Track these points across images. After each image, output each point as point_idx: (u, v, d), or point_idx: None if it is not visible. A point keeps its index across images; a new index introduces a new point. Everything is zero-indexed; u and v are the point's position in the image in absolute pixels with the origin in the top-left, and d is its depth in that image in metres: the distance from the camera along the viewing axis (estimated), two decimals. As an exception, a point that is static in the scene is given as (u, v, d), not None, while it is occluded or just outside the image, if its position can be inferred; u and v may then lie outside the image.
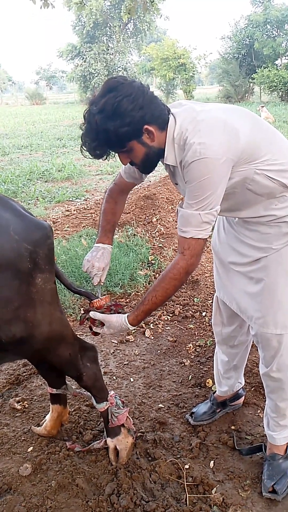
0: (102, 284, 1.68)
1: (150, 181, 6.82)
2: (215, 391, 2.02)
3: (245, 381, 2.16)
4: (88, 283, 3.19)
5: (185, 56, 24.96)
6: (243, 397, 2.05)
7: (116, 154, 1.41)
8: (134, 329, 1.56)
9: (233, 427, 1.94)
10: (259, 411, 2.02)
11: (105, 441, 1.74)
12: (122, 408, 1.74)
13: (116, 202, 1.72)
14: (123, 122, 1.25)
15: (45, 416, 1.93)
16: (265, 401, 1.73)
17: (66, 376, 1.78)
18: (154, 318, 2.87)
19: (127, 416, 1.75)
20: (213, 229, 1.54)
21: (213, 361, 2.05)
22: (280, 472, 1.65)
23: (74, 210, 5.26)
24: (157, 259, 3.62)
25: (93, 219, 4.69)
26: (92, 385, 1.65)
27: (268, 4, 23.17)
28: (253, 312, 1.54)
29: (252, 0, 24.35)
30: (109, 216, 1.71)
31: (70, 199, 5.95)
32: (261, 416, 1.97)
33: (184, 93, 26.27)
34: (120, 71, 29.60)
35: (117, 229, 4.36)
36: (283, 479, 1.63)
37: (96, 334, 1.58)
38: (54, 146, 10.94)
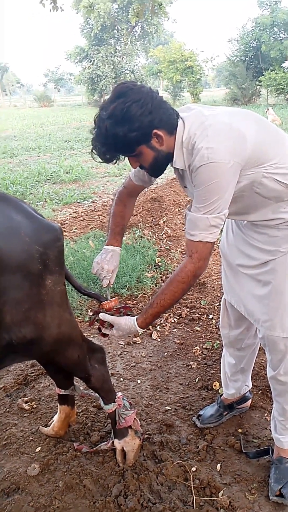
0: (111, 286, 1.69)
1: (157, 184, 6.83)
2: (222, 394, 2.02)
3: (252, 384, 2.16)
4: (96, 284, 3.21)
5: (192, 58, 24.98)
6: (250, 400, 2.05)
7: (126, 158, 1.42)
8: (142, 332, 1.57)
9: (240, 430, 1.93)
10: (266, 414, 2.02)
11: (113, 442, 1.75)
12: (129, 409, 1.74)
13: (125, 205, 1.74)
14: (132, 127, 1.26)
15: (53, 417, 1.94)
16: (273, 404, 1.73)
17: (74, 377, 1.79)
18: (161, 321, 2.87)
19: (135, 418, 1.76)
20: (221, 232, 1.55)
21: (220, 363, 2.05)
22: (287, 476, 1.64)
23: (81, 212, 5.28)
24: (164, 261, 3.63)
25: (101, 221, 4.71)
26: (100, 387, 1.66)
27: (275, 7, 23.14)
28: (260, 315, 1.55)
29: (259, 2, 24.32)
30: (118, 218, 1.72)
31: (78, 201, 5.98)
32: (268, 420, 1.97)
33: (191, 96, 26.29)
34: (127, 73, 29.70)
35: (127, 231, 4.38)
36: (290, 483, 1.63)
37: (105, 335, 1.59)
38: (62, 148, 11.00)
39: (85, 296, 3.05)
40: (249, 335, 1.83)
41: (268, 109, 13.13)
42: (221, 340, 2.02)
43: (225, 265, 1.74)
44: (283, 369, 1.56)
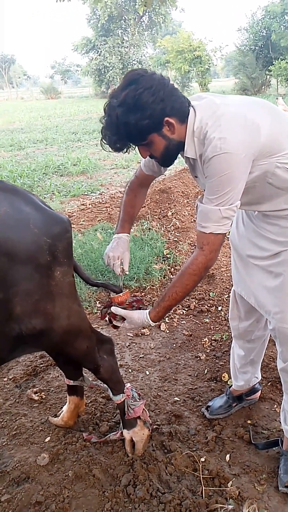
0: (124, 274, 1.66)
1: (165, 175, 6.80)
2: (231, 385, 2.01)
3: (261, 376, 2.15)
4: (104, 276, 3.21)
5: (201, 48, 24.69)
6: (259, 391, 2.04)
7: (136, 148, 1.41)
8: (154, 325, 1.57)
9: (249, 422, 1.93)
10: (275, 406, 2.02)
11: (121, 432, 1.76)
12: (138, 400, 1.75)
13: (136, 195, 1.73)
14: (144, 115, 1.24)
15: (62, 407, 1.96)
16: (282, 396, 1.72)
17: (83, 368, 1.80)
18: (169, 313, 2.86)
19: (143, 409, 1.76)
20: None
21: (229, 355, 2.05)
22: (297, 468, 1.64)
23: (89, 204, 5.27)
24: (172, 253, 3.62)
25: (108, 213, 4.70)
26: (109, 378, 1.67)
27: (286, -6, 22.73)
28: (271, 307, 1.53)
29: (270, -10, 23.89)
30: (128, 208, 1.72)
31: (85, 193, 5.97)
32: (278, 411, 1.96)
33: (199, 86, 26.02)
34: (135, 64, 29.47)
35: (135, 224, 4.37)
36: (300, 474, 1.62)
37: (116, 327, 1.59)
38: (69, 140, 10.97)
39: (94, 288, 3.06)
40: (259, 327, 1.82)
41: (278, 99, 12.94)
42: (230, 332, 2.02)
43: (235, 256, 1.73)
44: None
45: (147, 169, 1.66)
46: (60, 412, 1.94)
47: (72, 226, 4.33)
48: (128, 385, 1.76)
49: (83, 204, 5.32)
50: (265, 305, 1.57)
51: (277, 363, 1.67)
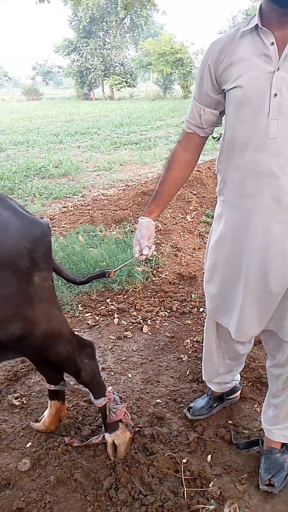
0: (147, 256, 1.58)
1: (147, 177, 6.83)
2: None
3: (242, 376, 2.18)
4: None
5: (182, 51, 24.91)
6: (240, 390, 2.06)
7: None
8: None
9: (230, 422, 1.95)
10: (256, 405, 2.04)
11: (103, 436, 1.76)
12: (120, 403, 1.75)
13: (180, 168, 1.58)
14: None
15: (43, 412, 1.95)
16: (263, 396, 1.75)
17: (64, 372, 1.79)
18: (151, 314, 2.88)
19: (125, 412, 1.77)
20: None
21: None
22: (277, 466, 1.66)
23: (71, 207, 5.25)
24: (154, 255, 3.63)
25: (91, 216, 4.69)
26: (90, 381, 1.66)
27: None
28: None
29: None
30: (163, 187, 1.62)
31: (67, 195, 5.94)
32: (258, 411, 1.99)
33: (181, 88, 26.20)
34: (117, 66, 29.50)
35: (114, 225, 4.38)
36: (280, 472, 1.65)
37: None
38: (51, 142, 10.91)
39: (76, 291, 3.06)
40: (249, 347, 1.83)
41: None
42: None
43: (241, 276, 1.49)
44: None
45: (197, 126, 1.48)
46: (41, 417, 1.93)
47: (54, 229, 4.31)
48: (109, 388, 1.76)
49: (65, 207, 5.30)
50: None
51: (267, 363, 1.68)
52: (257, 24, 1.25)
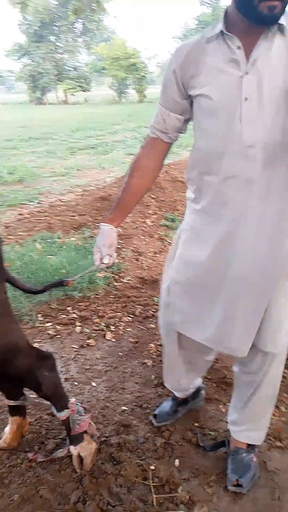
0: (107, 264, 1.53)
1: (105, 182, 6.79)
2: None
3: (206, 378, 2.20)
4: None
5: (135, 56, 25.09)
6: (204, 391, 2.06)
7: None
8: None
9: (196, 424, 1.95)
10: (221, 406, 2.06)
11: (69, 449, 1.71)
12: (84, 414, 1.71)
13: (142, 175, 1.53)
14: None
15: (4, 429, 1.86)
16: (227, 396, 1.76)
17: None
18: (114, 321, 2.85)
19: (90, 422, 1.72)
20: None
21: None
22: (244, 466, 1.67)
23: (27, 214, 5.12)
24: (117, 262, 3.60)
25: (48, 223, 4.60)
26: (52, 394, 1.61)
27: (216, 5, 23.74)
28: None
29: (201, 1, 24.84)
30: (125, 194, 1.56)
31: (23, 202, 5.79)
32: (224, 411, 2.01)
33: (136, 93, 26.38)
34: (70, 70, 29.27)
35: (73, 231, 4.31)
36: (247, 472, 1.66)
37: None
38: (4, 148, 10.62)
39: (35, 301, 2.97)
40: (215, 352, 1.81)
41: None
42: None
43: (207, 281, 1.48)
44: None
45: (161, 131, 1.46)
46: (2, 434, 1.85)
47: (10, 237, 4.18)
48: (73, 399, 1.71)
49: (20, 214, 5.16)
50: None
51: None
52: (222, 30, 1.25)
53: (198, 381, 1.99)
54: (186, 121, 1.45)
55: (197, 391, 2.02)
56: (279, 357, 1.55)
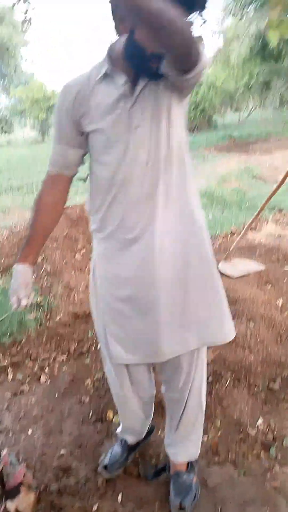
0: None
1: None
2: (119, 423, 1.95)
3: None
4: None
5: (55, 97, 25.49)
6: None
7: None
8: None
9: (136, 455, 1.93)
10: (160, 431, 2.05)
11: (5, 505, 1.61)
12: (17, 464, 1.63)
13: (46, 211, 1.55)
14: None
15: None
16: (164, 420, 1.77)
17: None
18: (49, 362, 2.78)
19: (25, 472, 1.65)
20: None
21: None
22: (186, 487, 1.68)
23: None
24: (46, 298, 3.54)
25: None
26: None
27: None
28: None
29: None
30: (32, 230, 1.56)
31: None
32: (162, 437, 2.00)
33: (59, 132, 26.55)
34: (-11, 114, 28.94)
35: (0, 274, 4.18)
36: (189, 493, 1.67)
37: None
38: None
39: None
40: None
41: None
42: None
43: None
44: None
45: (61, 167, 1.50)
46: None
47: None
48: (4, 451, 1.64)
49: None
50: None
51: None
52: (106, 71, 1.31)
53: (149, 420, 1.93)
54: (84, 154, 1.50)
55: (149, 431, 1.97)
56: (201, 358, 1.57)
